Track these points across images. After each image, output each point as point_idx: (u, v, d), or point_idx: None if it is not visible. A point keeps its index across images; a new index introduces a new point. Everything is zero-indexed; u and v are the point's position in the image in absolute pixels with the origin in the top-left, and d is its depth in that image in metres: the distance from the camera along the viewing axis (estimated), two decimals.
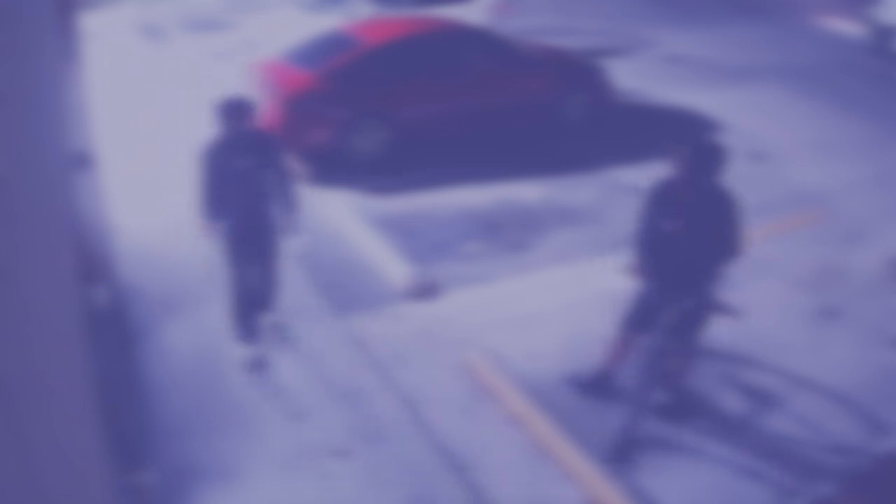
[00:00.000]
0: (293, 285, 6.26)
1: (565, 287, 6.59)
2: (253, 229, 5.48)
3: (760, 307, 6.25)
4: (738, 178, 6.41)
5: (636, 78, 11.43)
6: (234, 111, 5.21)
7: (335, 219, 7.60)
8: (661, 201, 4.75)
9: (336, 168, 8.40)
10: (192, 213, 5.50)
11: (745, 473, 4.79)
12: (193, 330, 5.92)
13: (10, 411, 2.08)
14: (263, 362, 5.54)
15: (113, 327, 5.63)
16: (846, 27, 14.74)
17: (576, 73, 9.91)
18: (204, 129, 6.07)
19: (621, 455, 4.82)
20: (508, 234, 7.46)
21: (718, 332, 5.62)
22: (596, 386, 5.33)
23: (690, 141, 4.66)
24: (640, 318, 4.98)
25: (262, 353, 5.60)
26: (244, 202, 5.41)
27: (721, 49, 13.28)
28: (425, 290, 6.48)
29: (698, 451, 4.95)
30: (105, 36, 12.16)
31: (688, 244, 4.65)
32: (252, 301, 5.62)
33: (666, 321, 4.71)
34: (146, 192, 7.89)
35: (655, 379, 4.82)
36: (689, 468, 4.82)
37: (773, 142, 9.58)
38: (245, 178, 5.31)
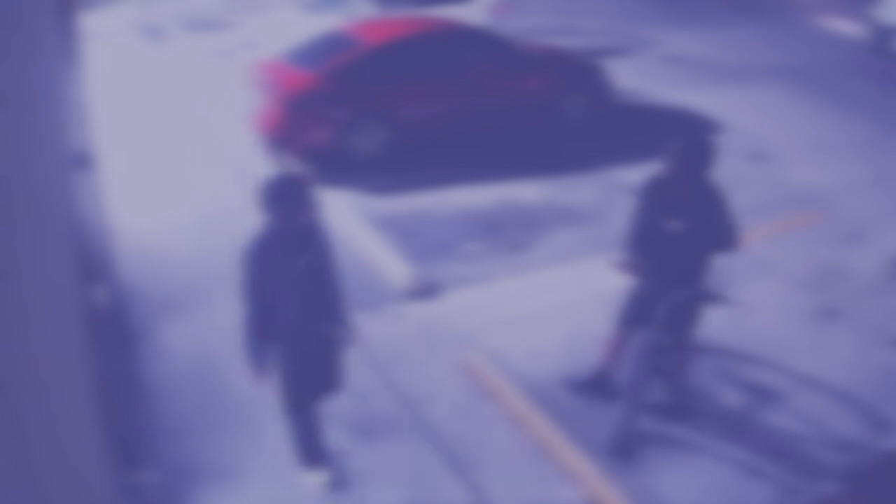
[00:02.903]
0: None
1: (565, 287, 6.59)
2: (315, 348, 4.31)
3: (760, 307, 6.25)
4: (738, 178, 6.42)
5: (636, 78, 11.43)
6: (289, 197, 3.90)
7: (335, 219, 7.60)
8: (657, 199, 4.75)
9: (336, 168, 8.40)
10: (239, 354, 4.29)
11: (747, 472, 4.79)
12: (193, 330, 5.91)
13: (10, 411, 2.08)
14: (343, 479, 4.70)
15: (113, 327, 5.63)
16: (846, 27, 14.74)
17: (576, 73, 9.90)
18: (203, 129, 6.04)
19: (621, 451, 4.82)
20: (508, 234, 7.46)
21: (719, 331, 5.63)
22: (595, 385, 5.33)
23: (680, 138, 4.65)
24: (635, 315, 4.98)
25: (339, 469, 4.74)
26: (303, 314, 4.15)
27: (721, 49, 13.28)
28: (425, 290, 6.48)
29: (700, 450, 4.95)
30: (105, 36, 12.16)
31: (689, 241, 4.65)
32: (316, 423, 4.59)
33: (660, 314, 4.71)
34: (146, 192, 7.89)
35: (651, 372, 4.82)
36: (690, 467, 4.82)
37: (773, 142, 9.58)
38: (302, 283, 4.08)
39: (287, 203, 3.91)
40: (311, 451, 4.58)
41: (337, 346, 4.42)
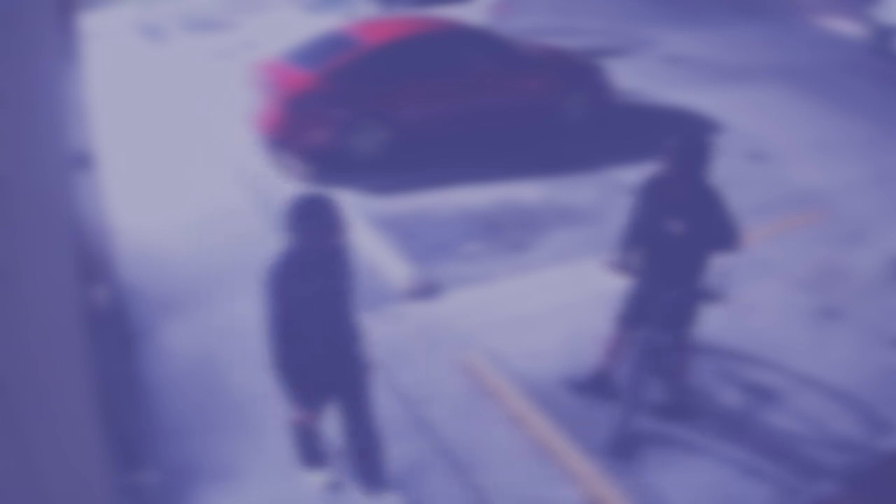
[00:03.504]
0: None
1: (565, 287, 6.59)
2: (332, 376, 4.11)
3: (760, 307, 6.25)
4: (738, 178, 6.42)
5: (636, 78, 11.43)
6: (318, 218, 3.70)
7: None
8: (655, 199, 4.75)
9: (336, 168, 8.40)
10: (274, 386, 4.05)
11: (747, 472, 4.79)
12: (193, 330, 5.92)
13: (10, 411, 2.08)
14: (343, 480, 4.64)
15: (113, 327, 5.63)
16: (846, 27, 14.74)
17: (576, 73, 9.91)
18: (203, 129, 6.00)
19: (621, 451, 4.82)
20: (508, 234, 7.46)
21: (719, 331, 5.63)
22: (595, 385, 5.33)
23: (677, 137, 4.64)
24: (634, 314, 4.98)
25: (336, 474, 4.65)
26: (321, 340, 3.97)
27: (721, 49, 13.28)
28: (425, 290, 6.48)
29: (700, 450, 4.95)
30: (105, 36, 12.16)
31: (687, 241, 4.65)
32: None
33: (656, 312, 4.71)
34: (146, 192, 7.89)
35: (650, 371, 4.83)
36: (690, 467, 4.82)
37: (773, 142, 9.58)
38: (323, 307, 3.91)
39: (315, 224, 3.69)
40: (312, 452, 4.55)
41: (358, 374, 4.20)
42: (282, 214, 3.72)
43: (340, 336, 4.08)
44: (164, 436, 4.94)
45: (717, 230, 4.62)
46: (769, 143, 9.54)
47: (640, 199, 4.84)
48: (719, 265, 4.83)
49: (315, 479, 4.62)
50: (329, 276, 3.88)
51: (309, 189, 3.87)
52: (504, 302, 6.39)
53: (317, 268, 3.82)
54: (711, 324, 5.20)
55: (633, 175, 8.13)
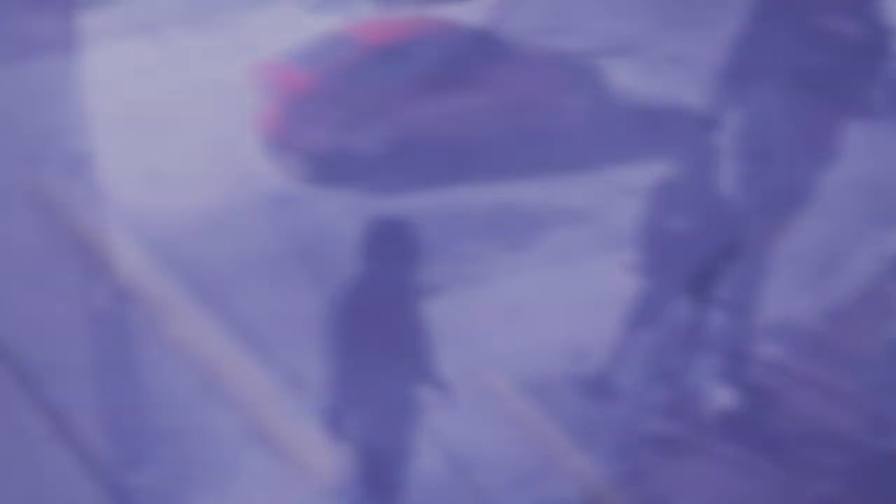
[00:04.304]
0: (293, 286, 6.26)
1: (565, 287, 6.58)
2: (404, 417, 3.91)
3: (760, 307, 6.24)
4: (737, 178, 6.42)
5: (636, 78, 11.42)
6: (399, 245, 3.52)
7: (335, 219, 7.59)
8: (667, 201, 4.75)
9: (336, 168, 8.39)
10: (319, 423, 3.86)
11: (747, 472, 4.78)
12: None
13: (10, 411, 2.09)
14: (344, 490, 4.50)
15: (113, 327, 5.62)
16: (846, 27, 14.72)
17: (576, 73, 9.89)
18: (203, 129, 5.94)
19: (622, 450, 4.82)
20: (508, 234, 7.46)
21: (720, 331, 5.62)
22: (596, 385, 5.32)
23: (689, 141, 4.66)
24: (642, 316, 4.98)
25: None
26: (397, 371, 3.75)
27: (721, 49, 13.26)
28: (425, 290, 6.46)
29: (700, 450, 4.94)
30: (105, 36, 12.14)
31: (696, 245, 4.65)
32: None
33: (671, 315, 4.72)
34: (147, 193, 7.88)
35: (657, 373, 4.84)
36: (690, 467, 4.81)
37: (773, 142, 9.55)
38: (402, 337, 3.71)
39: (393, 254, 3.46)
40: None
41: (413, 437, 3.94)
42: (361, 239, 3.45)
43: (409, 369, 3.76)
44: (164, 436, 4.94)
45: (723, 235, 4.61)
46: (769, 143, 9.52)
47: (652, 201, 4.85)
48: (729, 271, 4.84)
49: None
50: (404, 319, 3.65)
51: (387, 213, 3.62)
52: (504, 302, 6.38)
53: (395, 296, 3.60)
54: (712, 324, 5.20)
55: (634, 175, 8.13)
